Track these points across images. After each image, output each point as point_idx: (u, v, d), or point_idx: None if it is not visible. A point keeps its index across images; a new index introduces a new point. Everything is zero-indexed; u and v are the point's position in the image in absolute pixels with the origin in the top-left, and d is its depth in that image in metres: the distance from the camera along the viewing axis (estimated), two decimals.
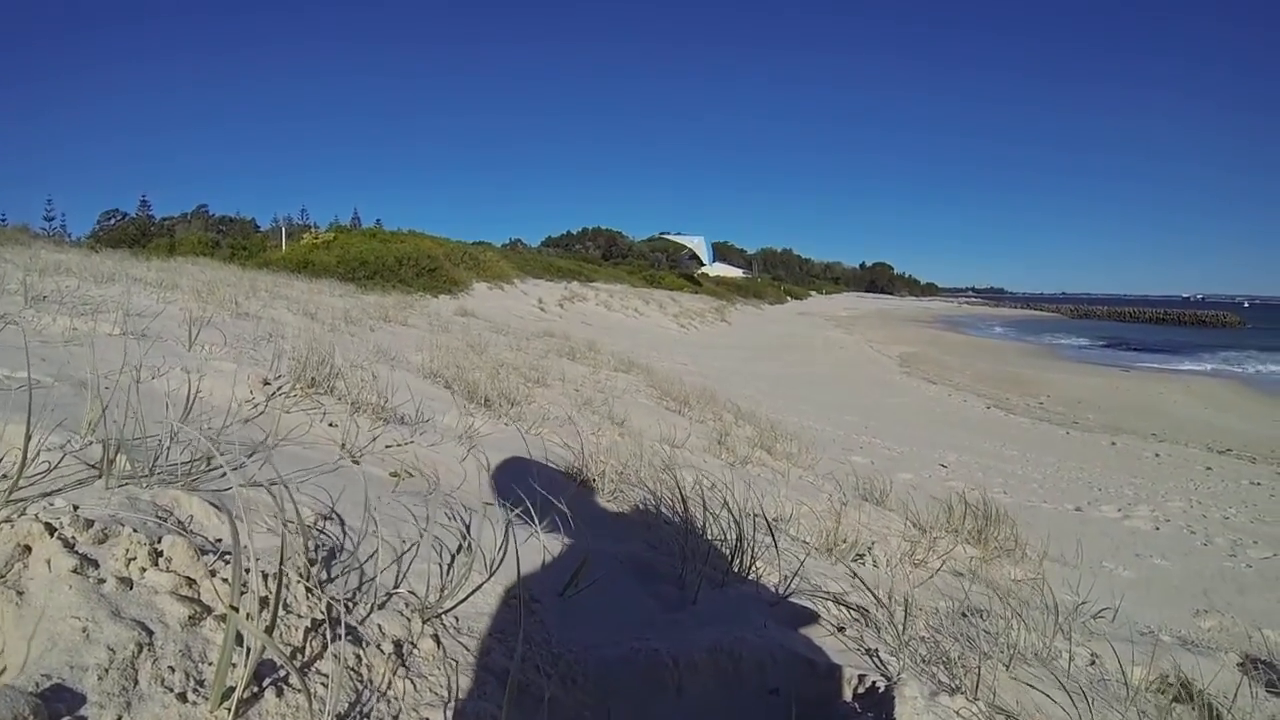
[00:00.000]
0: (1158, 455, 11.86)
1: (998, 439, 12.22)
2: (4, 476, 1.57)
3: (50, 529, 1.36)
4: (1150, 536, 6.99)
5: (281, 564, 1.38)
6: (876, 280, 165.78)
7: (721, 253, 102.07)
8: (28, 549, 1.32)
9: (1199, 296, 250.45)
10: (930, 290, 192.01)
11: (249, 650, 1.19)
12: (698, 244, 48.89)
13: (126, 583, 1.32)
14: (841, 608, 2.43)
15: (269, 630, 1.29)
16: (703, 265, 45.57)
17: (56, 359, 3.18)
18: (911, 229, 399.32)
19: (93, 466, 1.79)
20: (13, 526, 1.36)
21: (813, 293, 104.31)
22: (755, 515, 2.89)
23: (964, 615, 2.73)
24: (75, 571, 1.28)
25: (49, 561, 1.29)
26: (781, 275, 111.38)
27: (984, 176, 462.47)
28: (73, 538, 1.38)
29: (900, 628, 2.25)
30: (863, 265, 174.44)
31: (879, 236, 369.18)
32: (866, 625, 2.34)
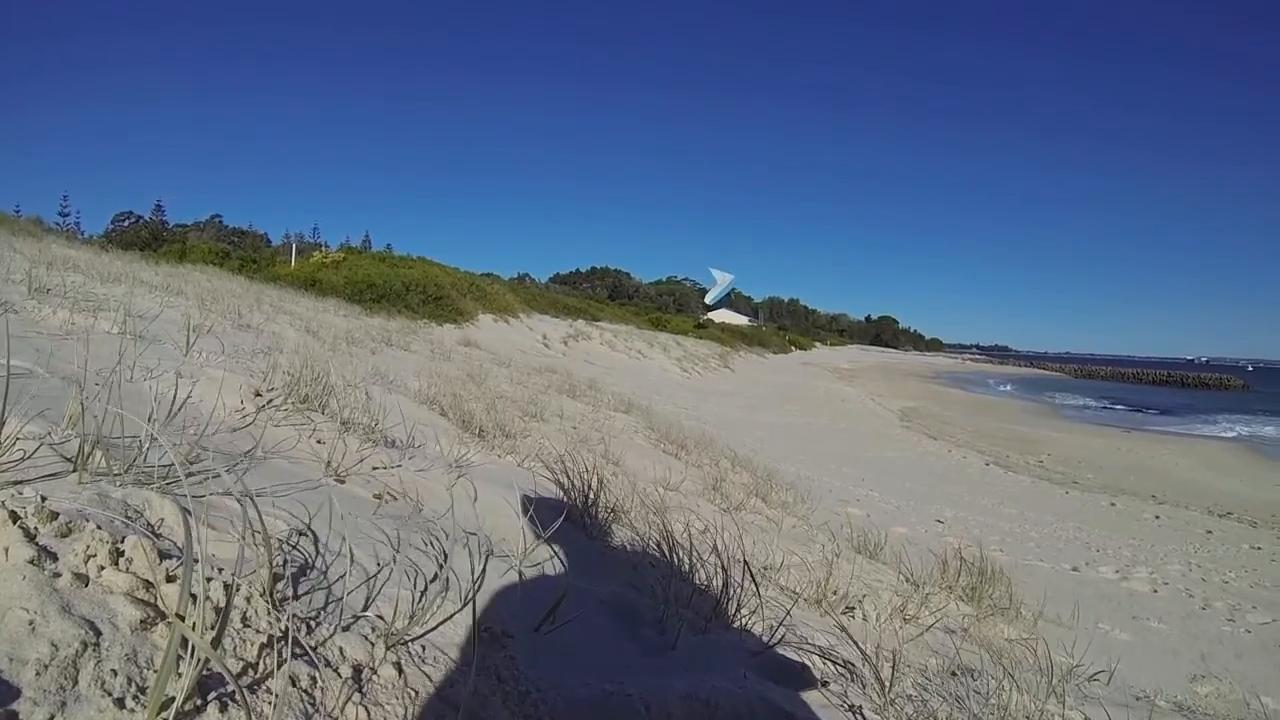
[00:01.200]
0: (1157, 517, 11.77)
1: (996, 496, 12.14)
2: None
3: (14, 517, 1.33)
4: (1148, 599, 6.92)
5: (236, 576, 1.33)
6: (881, 334, 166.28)
7: (726, 300, 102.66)
8: None
9: (1202, 359, 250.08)
10: (935, 345, 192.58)
11: (197, 662, 1.14)
12: (726, 280, 48.25)
13: (82, 579, 1.27)
14: (827, 661, 2.37)
15: (215, 642, 1.23)
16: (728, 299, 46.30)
17: (51, 351, 3.15)
18: (918, 283, 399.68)
19: (68, 460, 1.76)
20: None
21: (817, 344, 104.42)
22: (743, 562, 2.83)
23: (954, 674, 2.67)
24: (32, 563, 1.24)
25: (7, 550, 1.25)
26: (787, 324, 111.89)
27: (991, 233, 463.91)
28: (35, 528, 1.34)
29: (886, 685, 2.19)
30: (868, 318, 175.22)
31: (885, 290, 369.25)
32: (852, 680, 2.28)
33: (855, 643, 2.56)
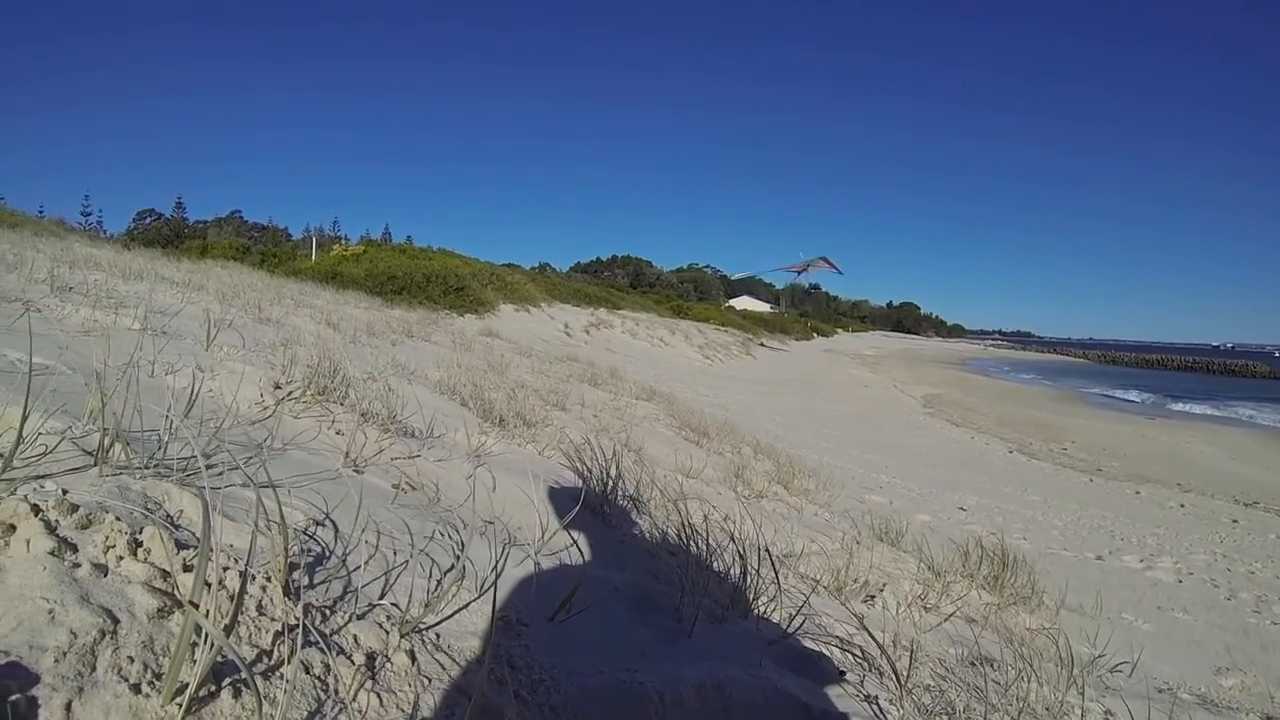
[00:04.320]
0: (1183, 506, 11.62)
1: (1019, 484, 12.04)
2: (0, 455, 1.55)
3: (35, 510, 1.35)
4: (1173, 589, 6.83)
5: (249, 564, 1.34)
6: (903, 320, 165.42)
7: (749, 287, 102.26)
8: (12, 528, 1.31)
9: (1228, 345, 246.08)
10: (957, 332, 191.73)
11: (211, 649, 1.15)
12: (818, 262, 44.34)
13: (101, 569, 1.29)
14: (845, 651, 2.36)
15: (229, 630, 1.25)
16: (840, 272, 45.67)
17: (73, 347, 3.19)
18: (940, 269, 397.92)
19: (89, 454, 1.78)
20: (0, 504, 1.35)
21: (839, 330, 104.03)
22: (762, 550, 2.83)
23: (974, 664, 2.66)
24: (52, 554, 1.27)
25: (29, 542, 1.28)
26: (808, 311, 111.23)
27: (1014, 219, 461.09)
28: (56, 521, 1.36)
29: (903, 675, 2.18)
30: (890, 304, 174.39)
31: (907, 276, 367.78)
32: (869, 670, 2.27)
33: (870, 633, 2.55)
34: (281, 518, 1.49)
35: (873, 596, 3.35)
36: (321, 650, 1.35)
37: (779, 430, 13.66)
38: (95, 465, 1.72)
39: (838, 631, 2.54)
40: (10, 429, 1.65)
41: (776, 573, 2.74)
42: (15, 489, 1.44)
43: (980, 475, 12.55)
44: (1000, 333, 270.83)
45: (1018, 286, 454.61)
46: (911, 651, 2.29)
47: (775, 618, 2.50)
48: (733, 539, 2.89)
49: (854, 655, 2.35)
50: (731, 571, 2.68)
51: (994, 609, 3.87)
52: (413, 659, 1.45)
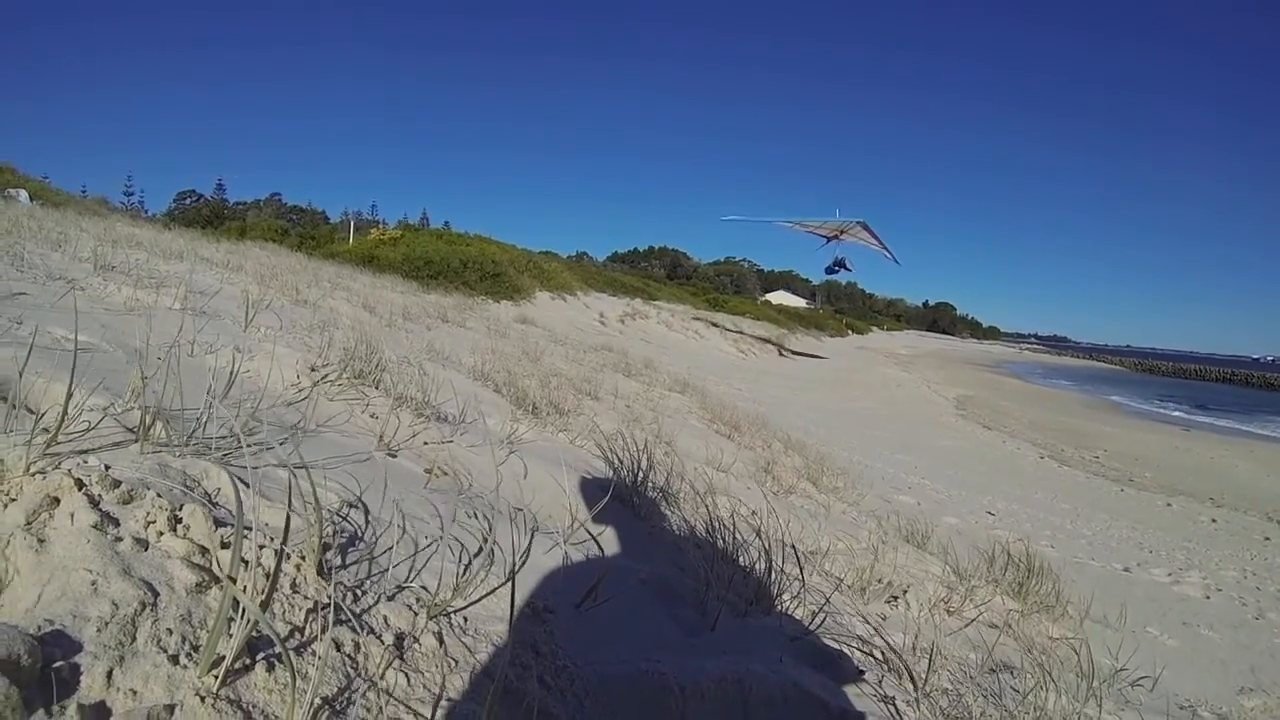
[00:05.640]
0: (1214, 520, 11.43)
1: (1049, 490, 11.93)
2: (45, 430, 1.60)
3: (79, 484, 1.40)
4: (1200, 605, 6.73)
5: (284, 543, 1.38)
6: (938, 320, 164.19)
7: (784, 281, 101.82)
8: (56, 501, 1.35)
9: (1269, 358, 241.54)
10: (992, 334, 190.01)
11: (248, 623, 1.19)
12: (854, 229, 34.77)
13: (142, 544, 1.33)
14: (865, 651, 2.37)
15: (264, 605, 1.29)
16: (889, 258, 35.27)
17: (115, 326, 3.25)
18: (976, 270, 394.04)
19: (130, 431, 1.82)
20: (45, 478, 1.40)
21: (874, 328, 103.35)
22: (787, 547, 2.84)
23: (993, 670, 2.66)
24: (95, 527, 1.31)
25: (73, 515, 1.32)
26: (844, 308, 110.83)
27: (1055, 221, 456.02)
28: (99, 495, 1.40)
29: (921, 679, 2.19)
30: (925, 304, 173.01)
31: (943, 275, 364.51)
32: (888, 671, 2.28)
33: (885, 637, 2.56)
34: (315, 499, 1.53)
35: (896, 598, 3.35)
36: (352, 629, 1.38)
37: (810, 426, 13.63)
38: (136, 442, 1.76)
39: (859, 631, 2.55)
40: (55, 405, 1.69)
41: (801, 569, 2.75)
42: (60, 464, 1.48)
43: (1010, 480, 12.46)
44: (1036, 336, 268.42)
45: (1055, 290, 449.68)
46: (930, 655, 2.30)
47: (798, 614, 2.52)
48: (759, 534, 2.91)
49: (875, 656, 2.35)
50: (757, 567, 2.70)
51: (1018, 616, 3.85)
52: (440, 641, 1.48)
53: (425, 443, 3.00)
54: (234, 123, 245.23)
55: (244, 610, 1.18)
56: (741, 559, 2.80)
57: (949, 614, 3.42)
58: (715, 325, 36.53)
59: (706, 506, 3.46)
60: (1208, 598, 7.00)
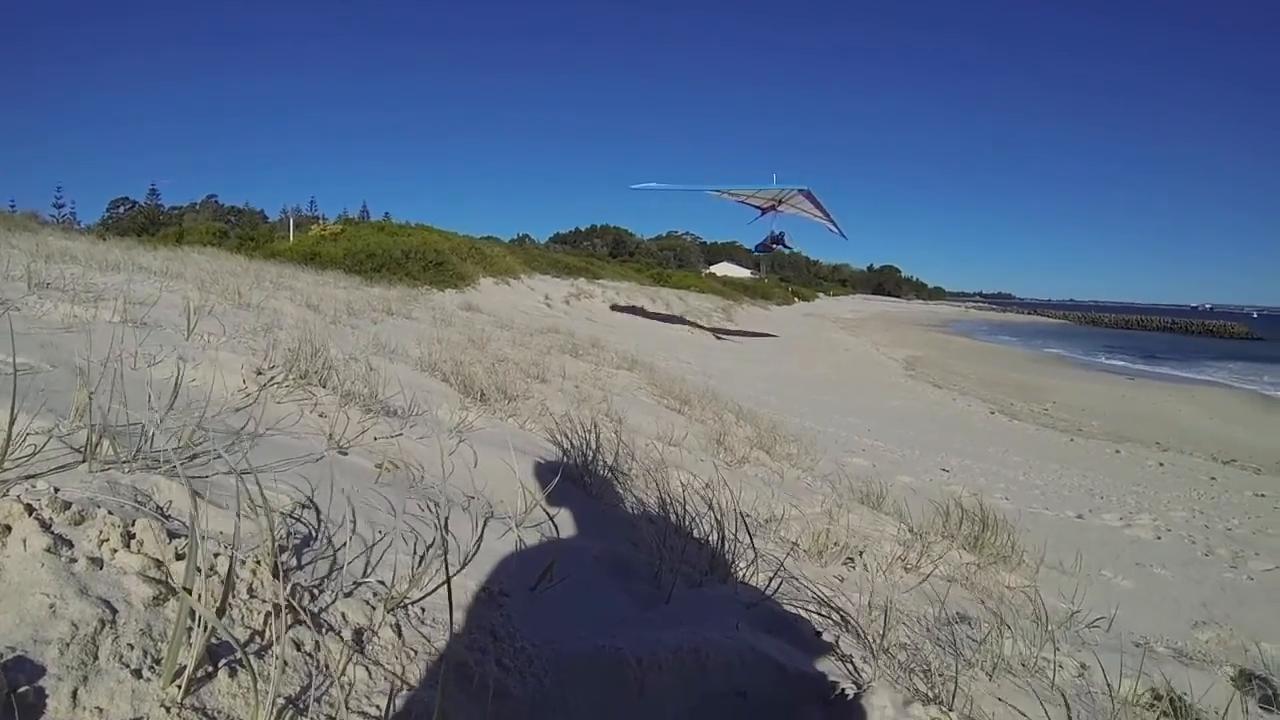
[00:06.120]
0: (1161, 464, 11.75)
1: (1001, 444, 12.16)
2: None
3: (29, 509, 1.40)
4: (1151, 545, 6.90)
5: (234, 549, 1.40)
6: (884, 283, 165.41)
7: (728, 253, 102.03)
8: (7, 528, 1.36)
9: (1207, 306, 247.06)
10: (937, 294, 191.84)
11: (206, 632, 1.21)
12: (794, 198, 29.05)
13: (97, 563, 1.35)
14: (823, 613, 2.41)
15: (220, 612, 1.31)
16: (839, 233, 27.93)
17: (55, 344, 3.20)
18: (919, 232, 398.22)
19: (78, 451, 1.82)
20: None
21: (820, 295, 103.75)
22: (739, 515, 2.89)
23: (951, 622, 2.72)
24: (49, 550, 1.32)
25: (25, 540, 1.33)
26: (789, 276, 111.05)
27: (993, 182, 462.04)
28: (50, 518, 1.41)
29: (879, 634, 2.24)
30: (870, 268, 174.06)
31: (887, 239, 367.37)
32: (845, 630, 2.32)
33: (843, 597, 2.61)
34: (264, 502, 1.55)
35: (852, 559, 3.41)
36: (310, 628, 1.41)
37: (761, 396, 13.72)
38: (84, 462, 1.76)
39: (816, 594, 2.60)
40: (0, 430, 1.68)
41: (752, 539, 2.80)
42: (8, 490, 1.48)
43: (962, 437, 12.67)
44: (981, 295, 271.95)
45: (998, 249, 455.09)
46: (886, 611, 2.35)
47: (755, 581, 2.56)
48: (710, 506, 2.95)
49: (832, 619, 2.40)
50: (711, 538, 2.74)
51: (975, 568, 3.94)
52: (398, 633, 1.52)
53: (375, 438, 2.99)
54: (164, 126, 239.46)
55: (200, 619, 1.19)
56: (695, 531, 2.85)
57: (906, 571, 3.49)
58: (660, 300, 36.49)
59: (658, 482, 3.50)
60: (1158, 538, 7.18)
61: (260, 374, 3.29)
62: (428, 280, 23.17)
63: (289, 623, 1.35)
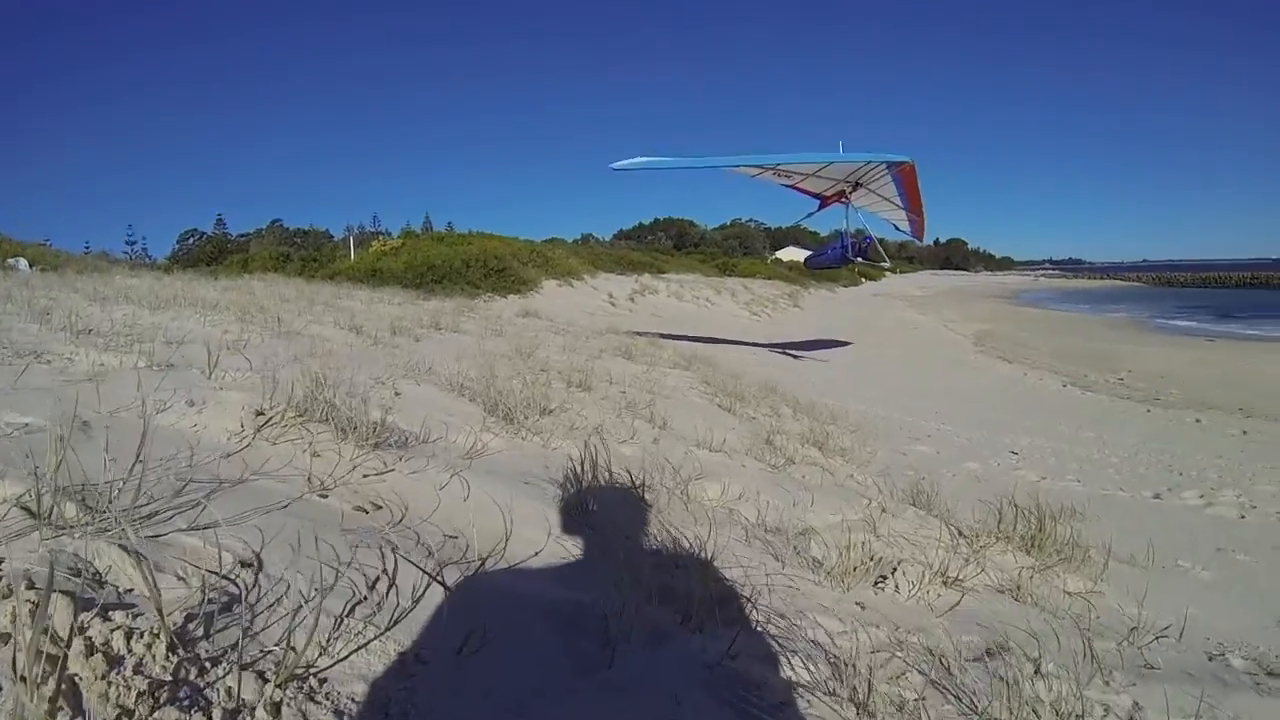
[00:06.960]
0: (1244, 433, 11.10)
1: (1074, 420, 11.70)
2: None
3: None
4: (1234, 525, 6.41)
5: (132, 621, 1.34)
6: (951, 257, 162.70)
7: (793, 236, 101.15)
8: None
9: None
10: (1006, 264, 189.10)
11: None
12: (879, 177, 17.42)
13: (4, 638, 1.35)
14: (808, 664, 2.22)
15: (52, 701, 1.26)
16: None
17: (70, 398, 3.16)
18: (985, 203, 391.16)
19: (35, 516, 1.79)
20: None
21: (887, 272, 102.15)
22: (767, 531, 2.75)
23: (981, 657, 2.53)
24: None
25: None
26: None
27: (1057, 146, 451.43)
28: None
29: (864, 696, 2.07)
30: (936, 242, 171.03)
31: (953, 212, 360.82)
32: (827, 695, 2.11)
33: (850, 635, 2.46)
34: (154, 585, 1.51)
35: (885, 577, 3.17)
36: (181, 708, 1.36)
37: (825, 383, 13.56)
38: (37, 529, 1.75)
39: (830, 626, 2.45)
40: None
41: (757, 583, 2.64)
42: None
43: (1033, 414, 12.28)
44: (1051, 262, 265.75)
45: (1067, 214, 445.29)
46: (869, 675, 2.16)
47: (754, 619, 2.41)
48: (732, 520, 2.80)
49: (821, 669, 2.21)
50: (712, 567, 2.60)
51: (1032, 572, 3.64)
52: (276, 712, 1.45)
53: (365, 475, 2.94)
54: (229, 155, 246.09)
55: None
56: (702, 558, 2.72)
57: (945, 587, 3.22)
58: (725, 290, 36.35)
59: (683, 500, 3.36)
60: (1243, 517, 6.69)
61: (260, 414, 3.23)
62: (489, 288, 23.43)
63: (152, 705, 1.28)
